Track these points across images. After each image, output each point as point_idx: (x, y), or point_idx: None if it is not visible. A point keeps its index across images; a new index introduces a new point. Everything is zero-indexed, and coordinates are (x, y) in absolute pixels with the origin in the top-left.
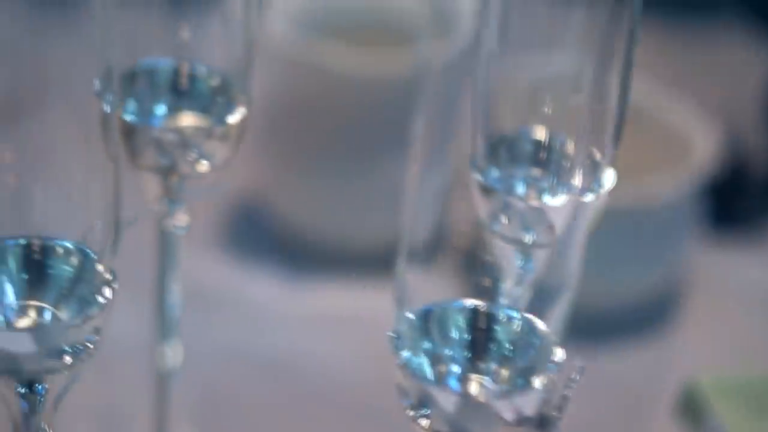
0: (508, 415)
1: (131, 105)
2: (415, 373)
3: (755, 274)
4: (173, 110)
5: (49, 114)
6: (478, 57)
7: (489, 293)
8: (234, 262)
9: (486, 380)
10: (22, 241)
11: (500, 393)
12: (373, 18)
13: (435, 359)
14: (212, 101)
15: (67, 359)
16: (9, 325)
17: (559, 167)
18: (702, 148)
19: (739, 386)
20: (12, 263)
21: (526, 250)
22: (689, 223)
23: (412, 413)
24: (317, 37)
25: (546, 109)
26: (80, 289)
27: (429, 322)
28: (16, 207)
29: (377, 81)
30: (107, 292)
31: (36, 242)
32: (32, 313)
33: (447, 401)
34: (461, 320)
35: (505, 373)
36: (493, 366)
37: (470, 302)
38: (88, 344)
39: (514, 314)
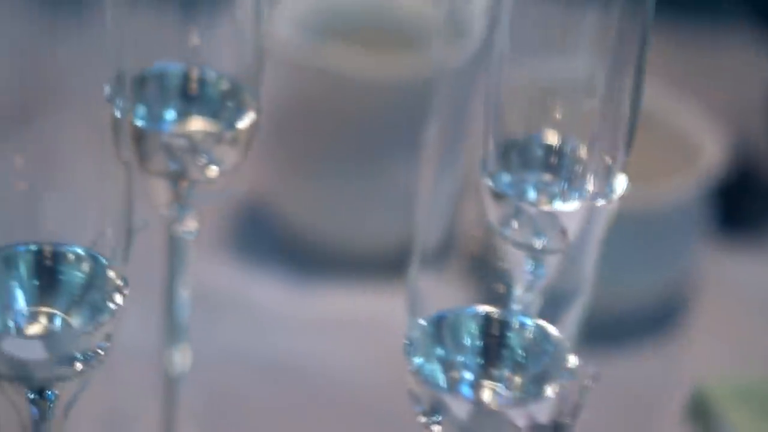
0: (521, 423)
1: (141, 110)
2: (428, 380)
3: (765, 277)
4: (183, 115)
5: (59, 119)
6: (490, 61)
7: (501, 299)
8: (241, 265)
9: (499, 387)
10: (33, 248)
11: (513, 400)
12: (379, 21)
13: (448, 366)
14: (222, 106)
15: (78, 366)
16: (20, 331)
17: (571, 172)
18: (710, 151)
19: (750, 390)
20: (23, 269)
21: (537, 256)
22: (697, 226)
23: (424, 420)
24: (323, 41)
25: (558, 114)
26: (91, 296)
27: (441, 328)
28: (27, 213)
29: (383, 84)
30: (118, 298)
31: (47, 248)
32: (43, 320)
33: (460, 408)
34: (474, 327)
35: (518, 380)
36: (506, 373)
37: (483, 309)
38: (99, 351)
39: (527, 321)
